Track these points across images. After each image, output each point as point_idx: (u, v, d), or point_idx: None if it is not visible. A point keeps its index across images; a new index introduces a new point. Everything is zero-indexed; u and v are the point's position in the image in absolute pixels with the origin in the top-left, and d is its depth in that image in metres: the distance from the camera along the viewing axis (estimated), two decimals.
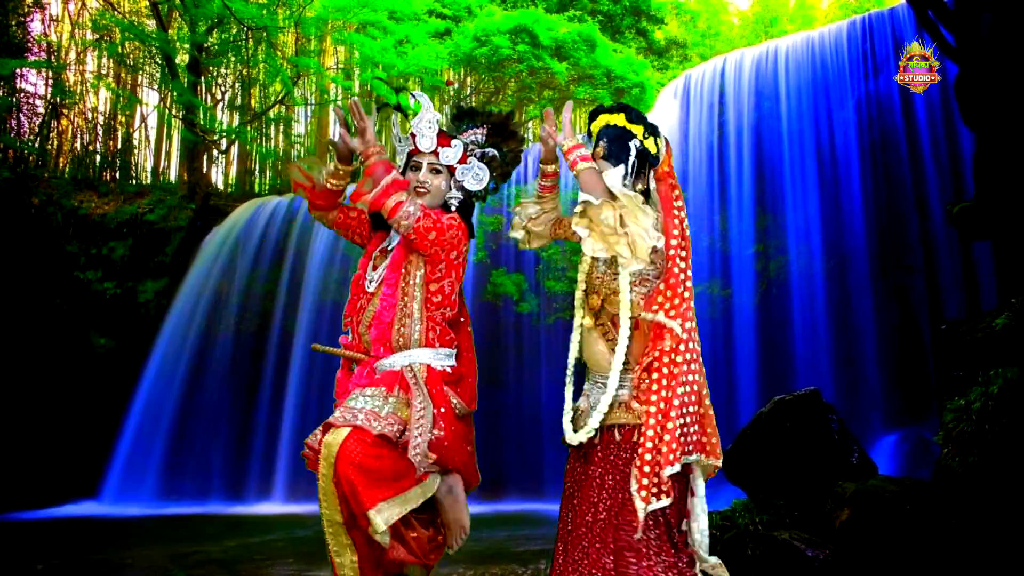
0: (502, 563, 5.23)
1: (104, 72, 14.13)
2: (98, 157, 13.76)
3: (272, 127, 14.82)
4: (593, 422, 2.44)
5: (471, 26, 13.13)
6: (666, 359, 2.36)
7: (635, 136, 2.55)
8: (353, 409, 2.39)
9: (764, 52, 10.20)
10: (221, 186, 14.09)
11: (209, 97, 14.01)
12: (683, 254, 2.47)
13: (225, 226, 11.43)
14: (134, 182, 13.61)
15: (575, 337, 2.61)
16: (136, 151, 14.36)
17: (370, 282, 2.61)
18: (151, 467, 10.02)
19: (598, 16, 15.10)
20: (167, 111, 13.84)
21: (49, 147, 12.99)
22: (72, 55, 13.72)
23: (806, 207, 9.21)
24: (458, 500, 2.54)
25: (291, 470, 9.63)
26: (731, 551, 3.81)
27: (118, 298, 11.04)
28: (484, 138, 2.75)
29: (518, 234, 2.76)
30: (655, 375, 2.36)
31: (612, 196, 2.38)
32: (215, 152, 13.56)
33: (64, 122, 13.22)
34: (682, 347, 2.37)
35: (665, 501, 2.29)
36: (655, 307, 2.40)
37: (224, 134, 13.13)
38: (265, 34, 11.98)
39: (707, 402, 2.47)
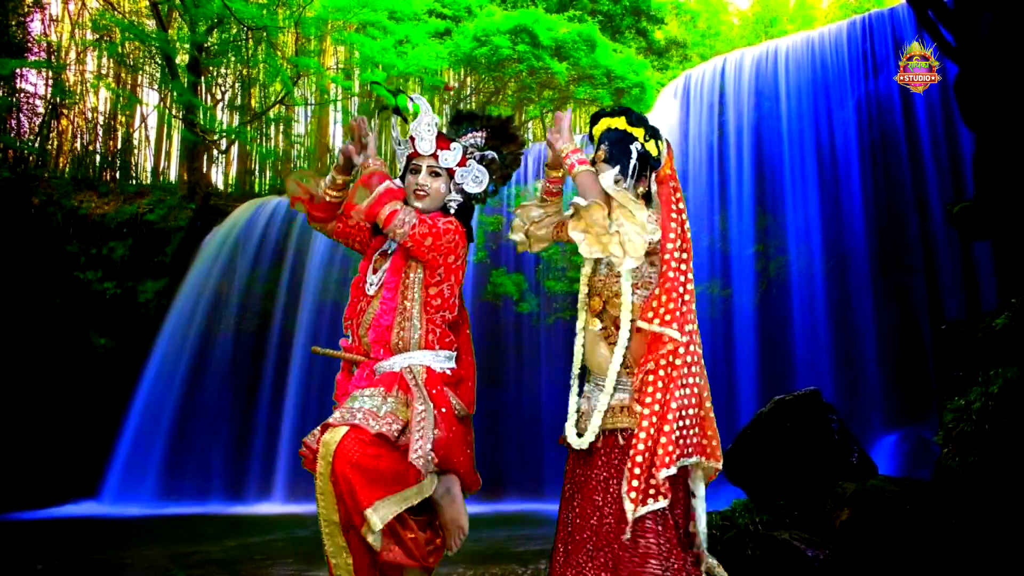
0: (502, 563, 5.23)
1: (104, 72, 14.13)
2: (98, 157, 13.77)
3: (272, 127, 14.82)
4: (594, 424, 2.44)
5: (471, 26, 13.13)
6: (663, 362, 2.37)
7: (636, 139, 2.56)
8: (352, 409, 2.39)
9: (764, 52, 10.20)
10: (221, 186, 14.09)
11: (209, 97, 14.02)
12: (683, 256, 2.47)
13: (225, 226, 11.43)
14: (134, 182, 13.62)
15: (579, 340, 2.61)
16: (136, 151, 14.38)
17: (370, 285, 2.61)
18: (151, 467, 10.02)
19: (598, 16, 15.11)
20: (167, 111, 13.85)
21: (49, 147, 12.99)
22: (72, 55, 13.72)
23: (806, 207, 9.21)
24: (456, 501, 2.54)
25: (291, 470, 9.63)
26: (731, 551, 3.81)
27: (118, 298, 11.04)
28: (483, 141, 2.74)
29: (518, 237, 2.75)
30: (651, 377, 2.37)
31: (608, 197, 2.39)
32: (215, 152, 13.56)
33: (64, 122, 13.22)
34: (681, 350, 2.38)
35: (662, 503, 2.29)
36: (650, 313, 2.41)
37: (224, 134, 13.13)
38: (265, 34, 11.98)
39: (708, 404, 2.47)
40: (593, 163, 2.56)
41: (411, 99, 2.68)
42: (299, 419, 9.81)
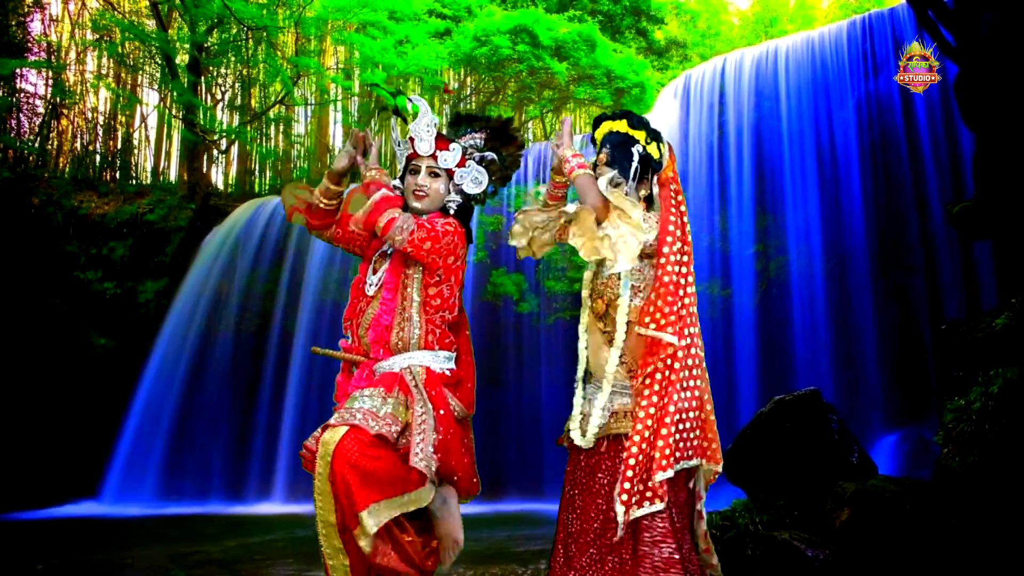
0: (502, 563, 5.23)
1: (104, 72, 14.13)
2: (98, 157, 13.77)
3: (272, 127, 14.82)
4: (593, 424, 2.44)
5: (471, 26, 13.14)
6: (661, 365, 2.37)
7: (637, 141, 2.57)
8: (351, 409, 2.38)
9: (764, 52, 10.20)
10: (221, 186, 14.10)
11: (209, 97, 14.02)
12: (683, 259, 2.47)
13: (225, 226, 11.43)
14: (134, 182, 13.62)
15: (582, 342, 2.62)
16: (136, 151, 14.38)
17: (369, 285, 2.61)
18: (151, 467, 10.02)
19: (598, 16, 15.11)
20: (167, 111, 13.85)
21: (49, 147, 12.99)
22: (72, 55, 13.73)
23: (806, 207, 9.21)
24: (452, 513, 2.52)
25: (291, 470, 9.63)
26: (731, 551, 3.80)
27: (118, 298, 11.04)
28: (483, 142, 2.74)
29: (520, 243, 2.74)
30: (648, 381, 2.38)
31: (605, 200, 2.41)
32: (215, 152, 13.56)
33: (64, 122, 13.22)
34: (680, 354, 2.38)
35: (658, 506, 2.29)
36: (647, 318, 2.41)
37: (224, 134, 13.13)
38: (265, 34, 11.98)
39: (709, 407, 2.47)
40: (595, 166, 2.57)
41: (410, 100, 2.68)
42: (299, 419, 9.81)
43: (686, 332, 2.42)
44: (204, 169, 13.15)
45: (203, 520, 8.50)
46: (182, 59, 12.57)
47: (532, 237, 2.72)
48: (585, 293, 2.63)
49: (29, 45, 12.03)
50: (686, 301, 2.44)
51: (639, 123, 2.60)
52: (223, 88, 14.57)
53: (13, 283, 10.13)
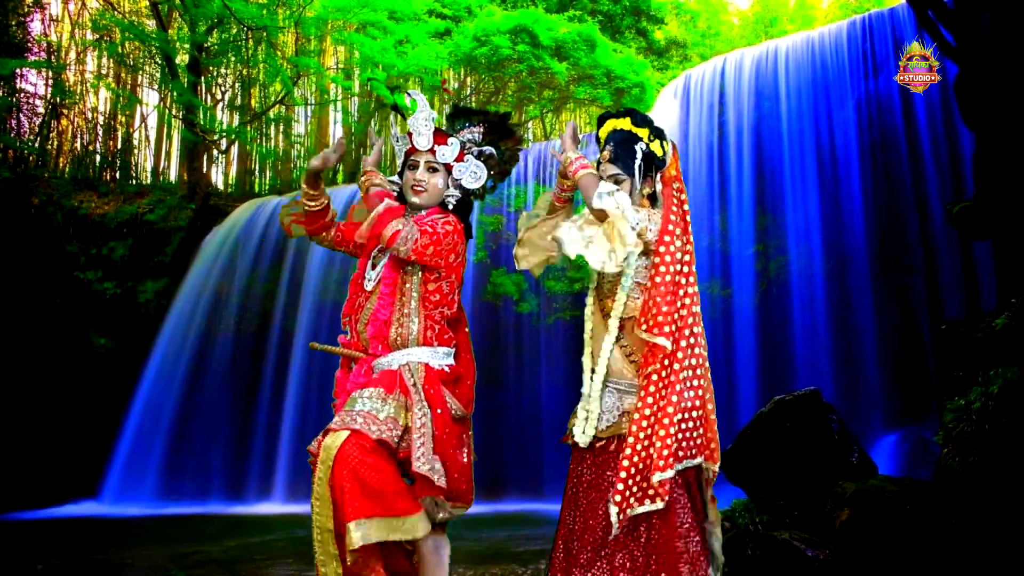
0: (502, 563, 5.23)
1: (104, 72, 14.13)
2: (98, 157, 13.77)
3: (272, 127, 14.82)
4: (593, 420, 2.45)
5: (471, 26, 13.14)
6: (659, 366, 2.38)
7: (640, 139, 2.57)
8: (351, 412, 2.36)
9: (764, 52, 10.20)
10: (221, 186, 14.10)
11: (209, 97, 14.02)
12: (684, 258, 2.47)
13: (225, 226, 11.43)
14: (134, 182, 13.62)
15: (587, 341, 2.62)
16: (136, 151, 14.38)
17: (368, 281, 2.60)
18: (151, 467, 10.02)
19: (598, 16, 15.10)
20: (167, 111, 13.85)
21: (49, 147, 12.99)
22: (72, 55, 13.72)
23: (806, 207, 9.21)
24: (442, 562, 2.47)
25: (291, 470, 9.63)
26: (731, 551, 3.80)
27: (118, 298, 11.05)
28: (481, 136, 2.73)
29: (528, 263, 2.72)
30: (645, 382, 2.39)
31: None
32: (215, 152, 13.56)
33: (64, 122, 13.22)
34: (681, 355, 2.38)
35: (659, 504, 2.30)
36: (643, 320, 2.41)
37: (224, 134, 13.13)
38: (265, 34, 11.98)
39: (710, 407, 2.48)
40: (599, 164, 2.58)
41: (408, 95, 2.68)
42: (299, 419, 9.81)
43: (686, 332, 2.41)
44: (204, 169, 13.16)
45: (203, 520, 8.50)
46: (182, 59, 12.57)
47: (551, 257, 2.69)
48: (591, 292, 2.63)
49: (29, 45, 12.03)
50: (686, 301, 2.44)
51: (643, 121, 2.61)
52: (223, 88, 14.57)
53: (13, 283, 10.13)
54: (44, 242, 10.87)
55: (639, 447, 2.31)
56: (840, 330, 8.73)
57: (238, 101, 14.80)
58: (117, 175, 13.67)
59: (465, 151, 2.67)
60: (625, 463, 2.31)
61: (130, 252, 11.35)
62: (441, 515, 2.48)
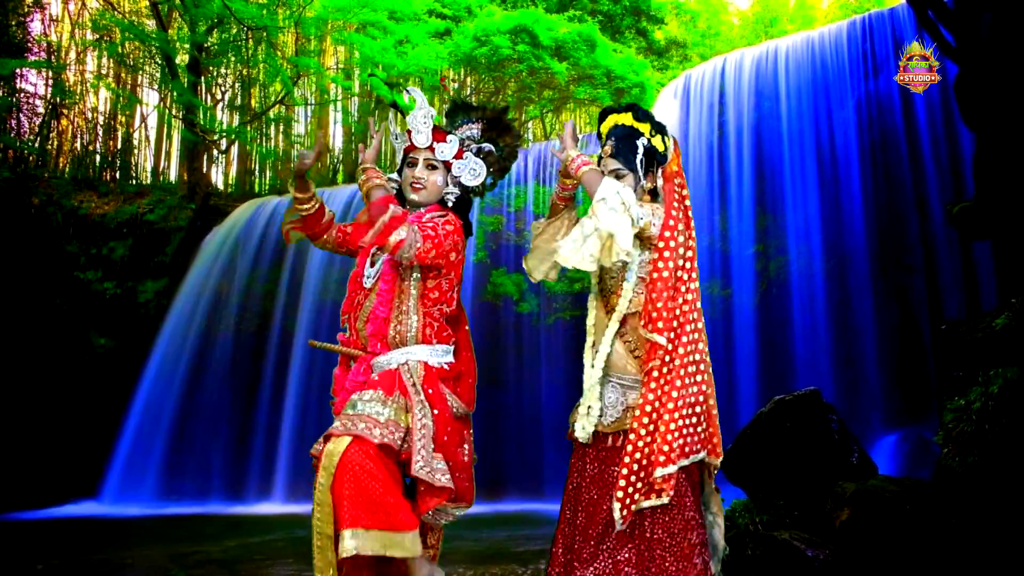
0: (502, 563, 5.23)
1: (104, 72, 14.14)
2: (98, 157, 13.77)
3: (272, 127, 14.83)
4: (593, 415, 2.45)
5: (471, 26, 13.14)
6: (659, 363, 2.39)
7: (642, 134, 2.57)
8: (352, 417, 2.34)
9: (764, 52, 10.20)
10: (221, 186, 14.10)
11: (209, 97, 14.02)
12: (688, 254, 2.47)
13: (225, 226, 11.43)
14: (134, 182, 13.62)
15: (589, 338, 2.62)
16: (136, 151, 14.38)
17: (367, 278, 2.60)
18: (151, 467, 10.02)
19: (598, 16, 15.10)
20: (167, 111, 13.85)
21: (49, 147, 12.99)
22: (72, 55, 13.73)
23: (806, 207, 9.21)
24: None
25: (291, 470, 9.63)
26: (731, 551, 3.80)
27: (118, 298, 11.05)
28: (480, 133, 2.72)
29: (540, 272, 2.70)
30: (646, 378, 2.40)
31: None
32: (215, 152, 13.57)
33: (64, 122, 13.22)
34: (681, 351, 2.39)
35: (664, 499, 2.30)
36: (643, 317, 2.42)
37: (224, 134, 13.13)
38: (265, 34, 11.99)
39: (712, 402, 2.48)
40: (600, 159, 2.58)
41: (407, 92, 2.68)
42: (299, 419, 9.81)
43: (688, 328, 2.42)
44: (204, 169, 13.16)
45: (203, 520, 8.50)
46: (182, 59, 12.57)
47: (550, 255, 2.68)
48: (595, 289, 2.63)
49: (29, 45, 12.03)
50: (688, 297, 2.44)
51: (644, 116, 2.61)
52: (223, 88, 14.57)
53: (13, 283, 10.13)
54: (44, 242, 10.87)
55: (641, 443, 2.32)
56: (840, 330, 8.73)
57: (238, 101, 14.81)
58: (117, 175, 13.68)
59: (464, 148, 2.66)
60: (627, 459, 2.31)
61: (130, 252, 11.35)
62: (445, 520, 2.48)
